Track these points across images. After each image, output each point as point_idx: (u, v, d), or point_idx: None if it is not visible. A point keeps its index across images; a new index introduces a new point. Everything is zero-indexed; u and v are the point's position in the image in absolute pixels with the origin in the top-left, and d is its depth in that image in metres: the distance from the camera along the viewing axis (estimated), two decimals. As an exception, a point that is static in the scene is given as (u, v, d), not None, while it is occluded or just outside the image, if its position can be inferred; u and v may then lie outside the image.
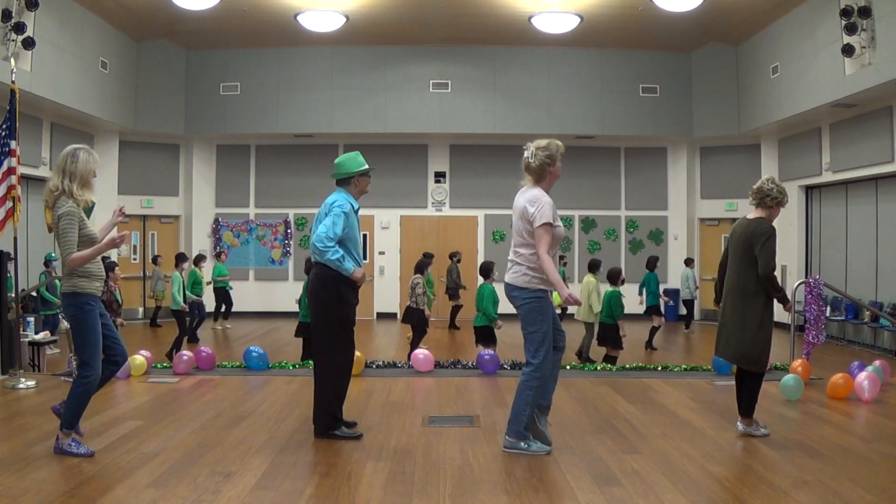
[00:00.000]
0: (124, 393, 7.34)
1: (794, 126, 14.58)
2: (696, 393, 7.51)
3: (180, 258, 12.50)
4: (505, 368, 8.81)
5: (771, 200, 5.85)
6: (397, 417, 6.33)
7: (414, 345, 10.77)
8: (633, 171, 17.67)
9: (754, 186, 5.96)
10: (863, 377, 7.19)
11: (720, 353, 6.01)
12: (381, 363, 9.06)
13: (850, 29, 11.28)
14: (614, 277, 10.17)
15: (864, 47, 11.27)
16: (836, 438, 5.71)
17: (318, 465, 4.97)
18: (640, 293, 13.18)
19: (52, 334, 10.56)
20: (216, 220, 17.47)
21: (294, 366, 9.00)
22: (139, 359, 8.19)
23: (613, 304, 9.83)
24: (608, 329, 9.92)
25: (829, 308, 12.78)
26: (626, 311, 10.15)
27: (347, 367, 5.72)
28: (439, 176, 17.57)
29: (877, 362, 8.02)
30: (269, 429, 5.90)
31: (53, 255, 13.14)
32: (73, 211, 5.05)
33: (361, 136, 16.86)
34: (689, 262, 15.49)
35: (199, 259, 14.10)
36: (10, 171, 7.82)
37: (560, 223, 5.39)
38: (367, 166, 5.72)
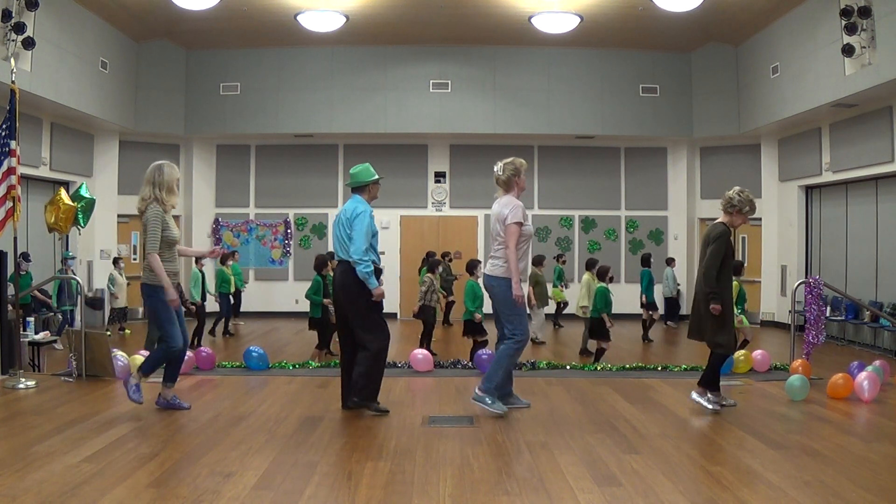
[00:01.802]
0: (124, 393, 7.32)
1: (794, 126, 14.58)
2: (696, 393, 7.50)
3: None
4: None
5: (731, 208, 6.61)
6: (397, 417, 6.33)
7: (423, 339, 11.28)
8: (633, 171, 17.67)
9: (725, 193, 6.71)
10: (863, 377, 7.19)
11: (692, 336, 6.76)
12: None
13: (850, 29, 11.28)
14: (603, 274, 10.78)
15: (864, 47, 11.27)
16: (837, 438, 5.71)
17: (318, 465, 4.97)
18: (643, 291, 13.74)
19: (53, 334, 10.57)
20: (216, 220, 17.47)
21: (294, 366, 9.00)
22: (139, 359, 8.17)
23: (599, 299, 10.37)
24: (596, 323, 10.49)
25: (829, 308, 12.79)
26: (622, 309, 10.56)
27: (387, 348, 6.49)
28: (439, 176, 17.56)
29: (877, 362, 8.02)
30: (269, 429, 5.90)
31: (70, 253, 13.22)
32: (159, 214, 6.16)
33: (361, 136, 16.87)
34: (670, 262, 15.98)
35: (226, 258, 14.25)
36: (10, 171, 7.81)
37: (529, 224, 6.40)
38: (378, 176, 6.60)
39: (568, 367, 9.16)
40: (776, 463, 5.02)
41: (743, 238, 17.03)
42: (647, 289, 13.57)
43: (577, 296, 12.41)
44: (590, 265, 11.80)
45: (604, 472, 4.83)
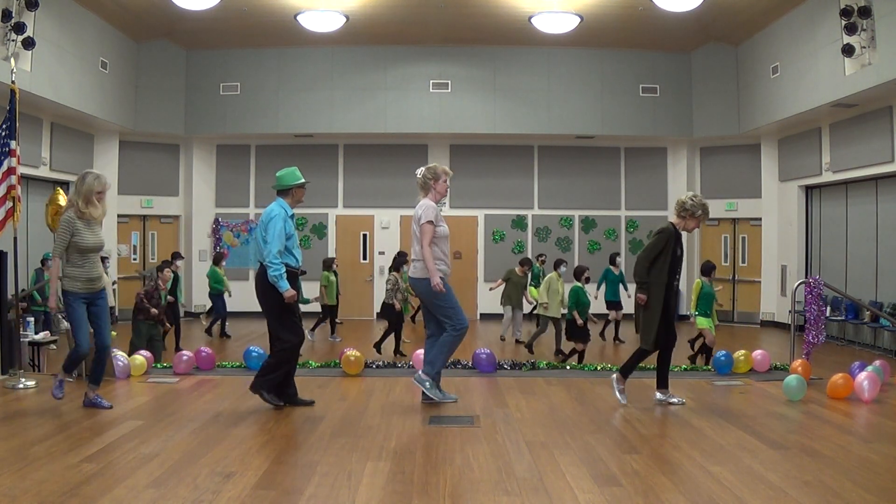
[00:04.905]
0: (124, 393, 7.33)
1: (794, 126, 14.58)
2: (696, 393, 7.51)
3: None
4: (504, 368, 8.80)
5: (684, 212, 6.74)
6: (397, 417, 6.33)
7: (384, 338, 11.53)
8: (633, 171, 17.67)
9: (678, 198, 6.89)
10: (863, 377, 7.18)
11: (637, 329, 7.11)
12: (381, 363, 9.04)
13: (850, 29, 11.28)
14: (578, 274, 10.81)
15: (864, 47, 11.28)
16: (837, 438, 5.71)
17: (318, 465, 4.96)
18: (598, 288, 13.90)
19: (50, 333, 10.55)
20: (216, 220, 17.47)
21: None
22: (139, 359, 8.18)
23: (573, 298, 10.37)
24: (572, 323, 10.43)
25: (829, 308, 12.79)
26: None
27: (297, 346, 6.63)
28: (439, 176, 17.55)
29: (877, 362, 8.01)
30: (269, 429, 5.90)
31: (50, 253, 13.20)
32: (69, 219, 6.18)
33: (361, 136, 16.87)
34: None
35: (220, 258, 14.22)
36: (10, 170, 7.81)
37: (443, 224, 6.71)
38: (303, 180, 6.64)
39: (568, 368, 9.15)
40: (776, 463, 5.01)
41: (743, 238, 17.04)
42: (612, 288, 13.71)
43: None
44: (556, 265, 12.08)
45: (604, 472, 4.83)
